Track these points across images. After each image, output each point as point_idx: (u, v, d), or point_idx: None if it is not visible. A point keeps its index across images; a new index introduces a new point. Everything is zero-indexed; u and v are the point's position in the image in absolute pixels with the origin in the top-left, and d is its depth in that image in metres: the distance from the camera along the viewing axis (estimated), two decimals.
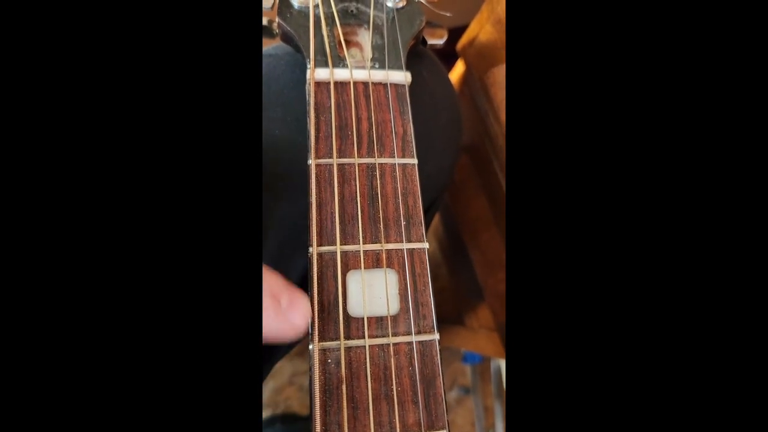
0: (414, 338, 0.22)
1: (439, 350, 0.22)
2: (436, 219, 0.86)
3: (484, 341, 0.77)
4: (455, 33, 0.51)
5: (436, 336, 0.22)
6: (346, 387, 0.21)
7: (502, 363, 0.93)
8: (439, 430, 0.21)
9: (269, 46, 0.36)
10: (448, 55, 0.52)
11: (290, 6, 0.29)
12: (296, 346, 0.41)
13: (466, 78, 0.52)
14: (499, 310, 0.61)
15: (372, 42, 0.29)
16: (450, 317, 0.90)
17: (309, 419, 0.21)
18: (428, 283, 0.23)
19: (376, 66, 0.28)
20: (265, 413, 0.92)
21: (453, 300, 0.92)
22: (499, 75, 0.41)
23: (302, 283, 0.32)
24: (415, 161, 0.25)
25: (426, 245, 0.24)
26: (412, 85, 0.37)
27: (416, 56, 0.38)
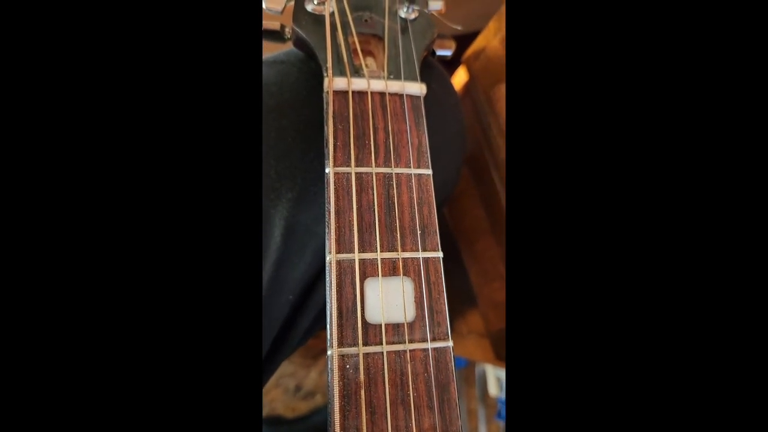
0: (429, 345, 0.23)
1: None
2: None
3: (473, 346, 0.78)
4: (459, 39, 0.52)
5: (450, 343, 0.23)
6: (365, 392, 0.21)
7: (487, 368, 0.95)
8: None
9: (279, 51, 0.36)
10: (449, 60, 0.53)
11: (305, 12, 0.30)
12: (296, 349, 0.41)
13: (469, 88, 0.53)
14: (493, 318, 0.62)
15: (387, 52, 0.29)
16: None
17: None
18: (443, 291, 0.24)
19: (392, 77, 0.28)
20: None
21: None
22: (505, 91, 0.42)
23: (302, 283, 0.33)
24: (430, 172, 0.26)
25: (440, 254, 0.24)
26: None
27: (425, 67, 0.39)
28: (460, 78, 0.55)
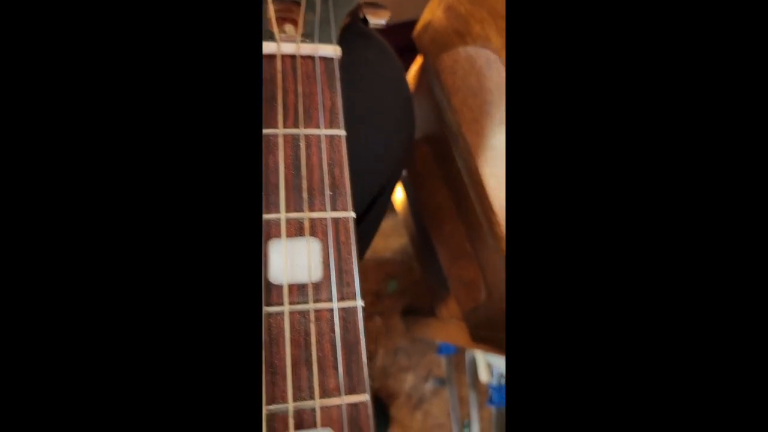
0: (336, 305, 0.22)
1: (370, 321, 0.22)
2: (407, 212, 0.86)
3: (455, 331, 0.78)
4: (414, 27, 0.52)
5: (359, 302, 0.23)
6: (265, 352, 0.21)
7: (477, 354, 0.94)
8: (359, 393, 0.21)
9: None
10: (410, 49, 0.52)
11: None
12: None
13: (423, 66, 0.52)
14: (463, 298, 0.61)
15: (304, 18, 0.29)
16: (424, 309, 0.91)
17: None
18: (353, 251, 0.23)
19: (307, 40, 0.28)
20: None
21: (426, 292, 0.93)
22: (448, 60, 0.42)
23: None
24: (342, 133, 0.26)
25: (352, 214, 0.24)
26: (356, 66, 0.37)
27: (361, 37, 0.38)
28: (419, 60, 0.54)
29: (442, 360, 0.98)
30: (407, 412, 0.95)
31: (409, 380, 0.97)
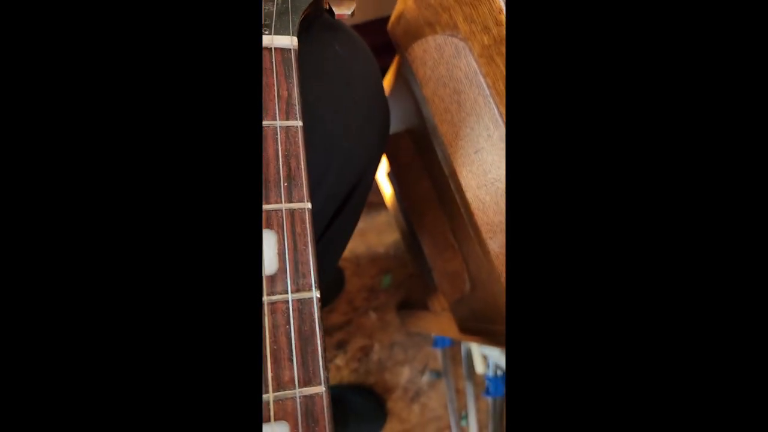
0: (291, 296, 0.22)
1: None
2: (396, 207, 0.86)
3: (447, 323, 0.78)
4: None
5: (315, 293, 0.22)
6: None
7: (472, 346, 0.94)
8: (315, 386, 0.21)
9: None
10: (389, 49, 0.52)
11: None
12: None
13: (400, 59, 0.51)
14: (448, 290, 0.61)
15: (264, 9, 0.29)
16: (418, 303, 0.91)
17: None
18: (309, 242, 0.23)
19: (265, 32, 0.27)
20: None
21: (419, 286, 0.92)
22: (419, 50, 0.41)
23: None
24: (299, 124, 0.25)
25: (308, 205, 0.24)
26: (324, 59, 0.37)
27: (329, 30, 0.38)
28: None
29: (438, 353, 0.98)
30: (404, 405, 0.95)
31: (405, 374, 0.97)
